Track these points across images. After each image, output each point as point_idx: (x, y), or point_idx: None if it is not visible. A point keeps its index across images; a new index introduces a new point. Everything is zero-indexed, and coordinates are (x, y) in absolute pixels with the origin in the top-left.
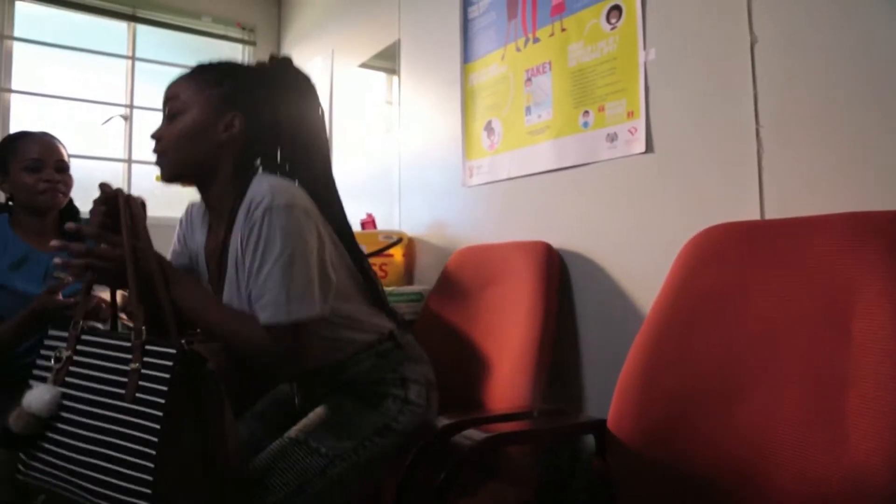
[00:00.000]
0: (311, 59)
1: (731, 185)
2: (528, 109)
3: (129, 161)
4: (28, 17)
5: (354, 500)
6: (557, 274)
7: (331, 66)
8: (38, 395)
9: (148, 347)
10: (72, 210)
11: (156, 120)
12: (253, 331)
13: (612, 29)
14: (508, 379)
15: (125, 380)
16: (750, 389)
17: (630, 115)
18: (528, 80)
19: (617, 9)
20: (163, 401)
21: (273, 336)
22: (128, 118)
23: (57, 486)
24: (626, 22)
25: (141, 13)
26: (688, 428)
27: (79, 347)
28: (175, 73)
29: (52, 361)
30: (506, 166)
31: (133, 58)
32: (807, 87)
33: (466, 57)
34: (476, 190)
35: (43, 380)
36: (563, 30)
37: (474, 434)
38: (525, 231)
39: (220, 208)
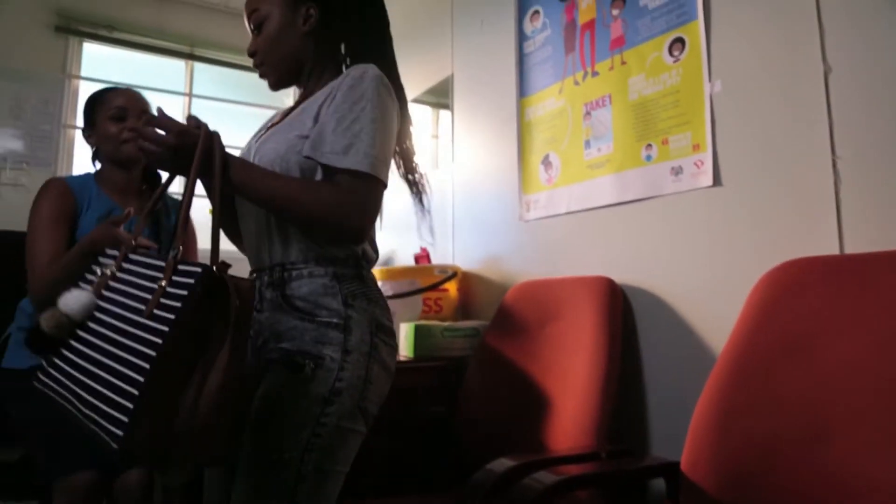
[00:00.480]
0: None
1: (807, 218)
2: (587, 143)
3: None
4: (94, 58)
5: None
6: (621, 310)
7: None
8: (75, 296)
9: (179, 267)
10: (155, 173)
11: None
12: (322, 187)
13: (676, 61)
14: (572, 418)
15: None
16: (837, 433)
17: (696, 147)
18: (588, 113)
19: (680, 41)
20: (172, 317)
21: (349, 186)
22: None
23: (60, 397)
24: (690, 54)
25: (198, 52)
26: (769, 473)
27: (123, 265)
28: (229, 108)
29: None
30: (564, 200)
31: (190, 94)
32: (885, 116)
33: (522, 91)
34: (533, 224)
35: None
36: (624, 63)
37: (544, 477)
38: (585, 266)
39: (310, 89)
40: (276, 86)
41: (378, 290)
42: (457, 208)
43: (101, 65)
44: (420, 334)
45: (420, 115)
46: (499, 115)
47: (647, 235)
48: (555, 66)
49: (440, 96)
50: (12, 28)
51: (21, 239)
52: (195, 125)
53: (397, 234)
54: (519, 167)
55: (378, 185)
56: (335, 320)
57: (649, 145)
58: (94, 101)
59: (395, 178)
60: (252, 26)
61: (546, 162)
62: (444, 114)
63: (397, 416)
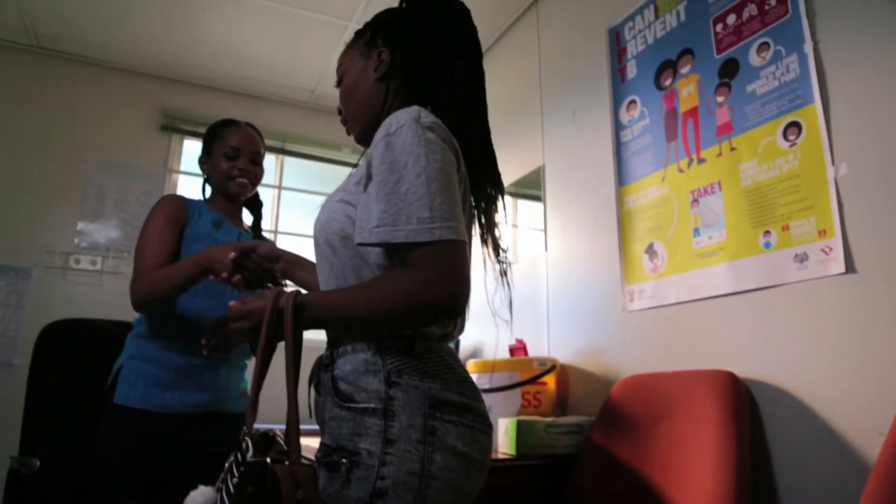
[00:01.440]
0: None
1: None
2: (696, 231)
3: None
4: (193, 153)
5: None
6: (747, 407)
7: None
8: (202, 494)
9: (240, 470)
10: (256, 201)
11: (299, 247)
12: (389, 281)
13: (792, 146)
14: None
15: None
16: None
17: (822, 233)
18: (695, 200)
19: (795, 125)
20: None
21: (417, 262)
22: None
23: None
24: (808, 137)
25: (289, 146)
26: None
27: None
28: (315, 200)
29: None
30: (673, 290)
31: (280, 187)
32: None
33: (621, 179)
34: (638, 315)
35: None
36: (733, 149)
37: None
38: (699, 359)
39: None
40: (359, 139)
41: (444, 363)
42: (551, 299)
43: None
44: (522, 430)
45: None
46: (595, 204)
47: (770, 326)
48: (655, 154)
49: (521, 186)
50: (123, 127)
51: (125, 328)
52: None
53: (485, 325)
54: (620, 256)
55: (448, 246)
56: (372, 405)
57: (767, 232)
58: (214, 134)
59: (476, 268)
60: (338, 82)
61: (650, 251)
62: (524, 203)
63: None
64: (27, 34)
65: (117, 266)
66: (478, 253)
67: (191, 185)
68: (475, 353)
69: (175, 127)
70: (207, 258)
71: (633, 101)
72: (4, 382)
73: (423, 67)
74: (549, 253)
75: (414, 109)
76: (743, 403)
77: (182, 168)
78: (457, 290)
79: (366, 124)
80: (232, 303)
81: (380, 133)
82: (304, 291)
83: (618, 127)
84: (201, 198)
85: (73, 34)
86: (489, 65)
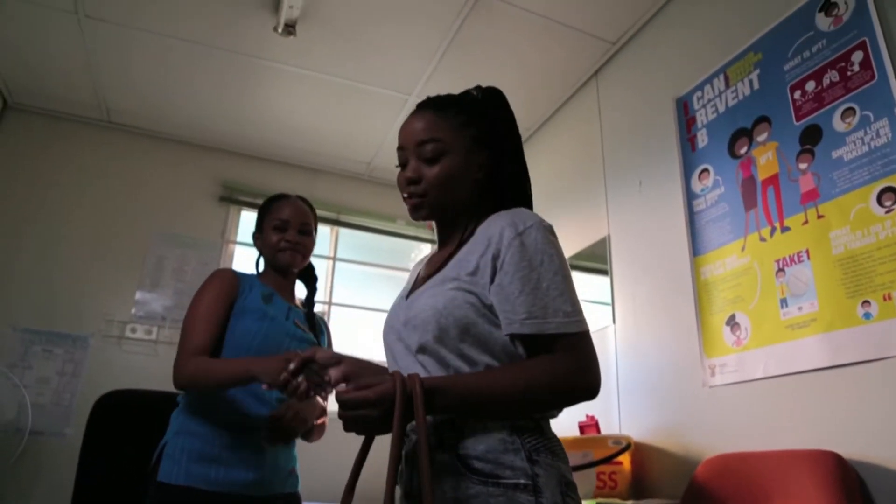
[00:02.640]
0: None
1: None
2: (783, 302)
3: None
4: (250, 224)
5: None
6: (857, 492)
7: None
8: None
9: None
10: (310, 273)
11: (353, 318)
12: (543, 365)
13: (888, 211)
14: None
15: None
16: None
17: None
18: (781, 270)
19: (891, 191)
20: None
21: (567, 350)
22: (325, 315)
23: None
24: None
25: (344, 218)
26: None
27: None
28: (369, 272)
29: None
30: (760, 364)
31: (334, 258)
32: None
33: (696, 250)
34: (721, 390)
35: None
36: (820, 216)
37: None
38: (795, 438)
39: (456, 236)
40: (425, 218)
41: (559, 442)
42: (621, 373)
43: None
44: None
45: None
46: (667, 275)
47: (877, 402)
48: (733, 223)
49: (582, 259)
50: (184, 198)
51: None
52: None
53: None
54: (698, 329)
55: (588, 336)
56: (522, 481)
57: (867, 302)
58: (265, 209)
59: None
60: (425, 151)
61: (732, 322)
62: (583, 276)
63: None
64: (100, 109)
65: (172, 336)
66: None
67: (247, 256)
68: None
69: (233, 198)
70: (256, 370)
71: (705, 170)
72: (57, 452)
73: (511, 172)
74: (617, 325)
75: (532, 213)
76: (852, 487)
77: (239, 239)
78: (599, 374)
79: (448, 212)
80: (341, 388)
81: (507, 232)
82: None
83: (690, 196)
84: (255, 272)
85: (141, 109)
86: (549, 135)
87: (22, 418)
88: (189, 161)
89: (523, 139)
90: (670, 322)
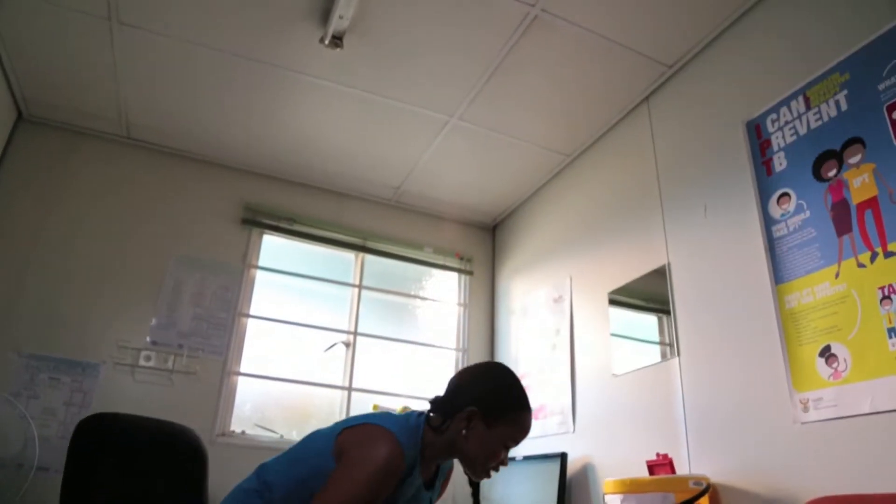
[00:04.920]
0: (534, 288)
1: None
2: (891, 331)
3: (350, 389)
4: (272, 248)
5: None
6: None
7: (569, 294)
8: None
9: None
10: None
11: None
12: None
13: None
14: None
15: None
16: None
17: None
18: (886, 297)
19: None
20: None
21: None
22: (350, 345)
23: None
24: None
25: (370, 244)
26: None
27: None
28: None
29: None
30: (866, 398)
31: (360, 286)
32: None
33: (778, 277)
34: (817, 427)
35: None
36: None
37: None
38: None
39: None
40: None
41: None
42: (689, 410)
43: (276, 254)
44: None
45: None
46: (740, 305)
47: None
48: (823, 249)
49: (629, 294)
50: (204, 220)
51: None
52: None
53: (594, 438)
54: (785, 361)
55: None
56: None
57: None
58: (513, 408)
59: (591, 377)
60: None
61: (828, 354)
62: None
63: None
64: (120, 125)
65: (189, 365)
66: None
67: (267, 281)
68: (585, 470)
69: (255, 221)
70: None
71: (785, 194)
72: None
73: None
74: (682, 358)
75: None
76: None
77: (260, 263)
78: None
79: None
80: None
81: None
82: None
83: (768, 222)
84: (415, 439)
85: (163, 125)
86: (594, 160)
87: (28, 452)
88: (210, 181)
89: (564, 164)
90: (748, 354)
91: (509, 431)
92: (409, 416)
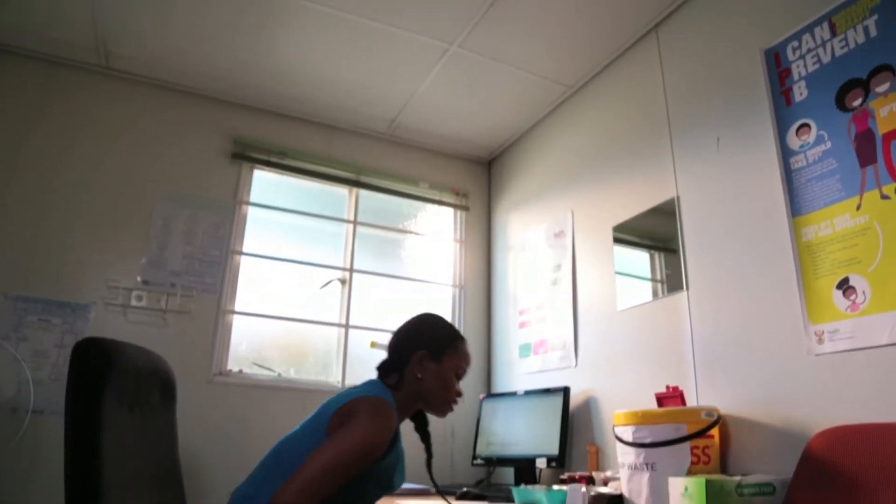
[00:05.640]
0: (532, 224)
1: None
2: None
3: (347, 326)
4: (264, 183)
5: None
6: None
7: (571, 228)
8: None
9: None
10: (427, 430)
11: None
12: None
13: None
14: None
15: None
16: None
17: None
18: None
19: None
20: None
21: None
22: (346, 282)
23: None
24: None
25: (364, 179)
26: None
27: None
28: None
29: None
30: (885, 329)
31: (355, 222)
32: None
33: (795, 210)
34: (832, 359)
35: None
36: None
37: None
38: None
39: None
40: None
41: None
42: (697, 343)
43: (268, 190)
44: (713, 492)
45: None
46: (754, 237)
47: None
48: (845, 181)
49: (629, 231)
50: (192, 155)
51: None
52: None
53: (598, 373)
54: (800, 294)
55: None
56: None
57: None
58: (452, 343)
59: (594, 312)
60: None
61: (845, 286)
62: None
63: None
64: (98, 53)
65: (184, 304)
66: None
67: (260, 218)
68: (588, 404)
69: (245, 155)
70: None
71: (805, 125)
72: (60, 433)
73: None
74: (690, 292)
75: None
76: None
77: (252, 199)
78: None
79: None
80: None
81: None
82: None
83: (786, 153)
84: (384, 389)
85: (144, 54)
86: (598, 91)
87: (22, 396)
88: (197, 114)
89: (566, 96)
90: (761, 287)
91: (455, 360)
92: (373, 385)
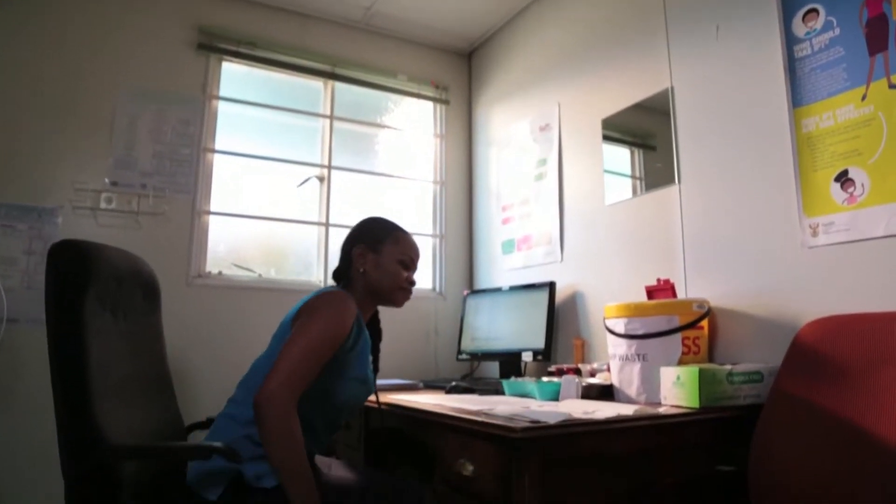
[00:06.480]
0: (516, 118)
1: None
2: None
3: (327, 224)
4: (233, 76)
5: None
6: None
7: (557, 121)
8: None
9: None
10: (378, 327)
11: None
12: None
13: None
14: None
15: None
16: None
17: None
18: None
19: None
20: None
21: None
22: (324, 180)
23: None
24: None
25: (339, 71)
26: None
27: None
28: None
29: None
30: (881, 221)
31: (332, 117)
32: None
33: (796, 100)
34: (826, 251)
35: None
36: None
37: None
38: None
39: None
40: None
41: None
42: (688, 237)
43: (239, 86)
44: (705, 380)
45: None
46: (752, 129)
47: None
48: (851, 70)
49: (620, 127)
50: (155, 47)
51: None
52: None
53: (585, 269)
54: (797, 186)
55: None
56: None
57: None
58: (388, 235)
59: (581, 206)
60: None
61: (844, 179)
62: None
63: (681, 476)
64: None
65: (156, 206)
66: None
67: (232, 113)
68: (574, 299)
69: (213, 46)
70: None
71: (812, 10)
72: (38, 342)
73: None
74: (682, 185)
75: None
76: None
77: (221, 94)
78: None
79: None
80: None
81: None
82: None
83: (790, 41)
84: (333, 284)
85: None
86: None
87: None
88: (159, 1)
89: None
90: (756, 180)
91: (396, 249)
92: (327, 287)
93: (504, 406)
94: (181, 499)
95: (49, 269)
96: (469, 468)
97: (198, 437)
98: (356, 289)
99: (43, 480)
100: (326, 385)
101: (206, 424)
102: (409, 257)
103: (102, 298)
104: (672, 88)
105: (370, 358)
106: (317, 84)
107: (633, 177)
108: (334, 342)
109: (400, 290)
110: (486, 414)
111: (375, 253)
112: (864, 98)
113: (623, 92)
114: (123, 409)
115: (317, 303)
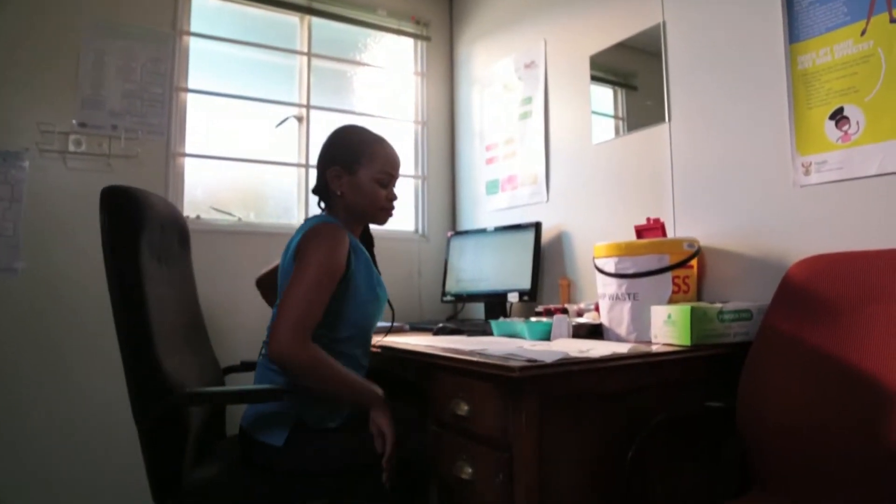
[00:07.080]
0: (500, 56)
1: None
2: None
3: (307, 166)
4: (204, 10)
5: None
6: None
7: (543, 58)
8: None
9: None
10: (369, 235)
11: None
12: None
13: None
14: None
15: None
16: None
17: None
18: None
19: None
20: None
21: None
22: (303, 120)
23: None
24: None
25: (316, 5)
26: None
27: None
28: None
29: None
30: (874, 160)
31: (309, 54)
32: None
33: (793, 36)
34: (818, 190)
35: None
36: None
37: None
38: None
39: None
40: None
41: None
42: (678, 175)
43: (211, 21)
44: (696, 318)
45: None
46: (746, 66)
47: None
48: (851, 4)
49: (612, 61)
50: None
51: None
52: None
53: (571, 208)
54: (791, 125)
55: None
56: None
57: None
58: (364, 150)
59: (567, 145)
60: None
61: (839, 117)
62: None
63: (673, 412)
64: None
65: (129, 148)
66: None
67: (205, 50)
68: (560, 238)
69: None
70: (377, 414)
71: None
72: (10, 291)
73: None
74: (672, 123)
75: None
76: None
77: (193, 29)
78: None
79: None
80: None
81: None
82: None
83: None
84: (327, 215)
85: None
86: None
87: None
88: None
89: None
90: (749, 118)
91: (373, 167)
92: (314, 218)
93: (497, 346)
94: (243, 442)
95: (105, 215)
96: (464, 408)
97: (232, 381)
98: (338, 211)
99: None
100: (349, 316)
101: (238, 368)
102: (387, 174)
103: (151, 245)
104: (664, 23)
105: (374, 270)
106: (293, 19)
107: (615, 117)
108: (333, 278)
109: (381, 211)
110: (482, 354)
111: (351, 174)
112: (863, 33)
113: (613, 27)
114: (178, 355)
115: (308, 244)
